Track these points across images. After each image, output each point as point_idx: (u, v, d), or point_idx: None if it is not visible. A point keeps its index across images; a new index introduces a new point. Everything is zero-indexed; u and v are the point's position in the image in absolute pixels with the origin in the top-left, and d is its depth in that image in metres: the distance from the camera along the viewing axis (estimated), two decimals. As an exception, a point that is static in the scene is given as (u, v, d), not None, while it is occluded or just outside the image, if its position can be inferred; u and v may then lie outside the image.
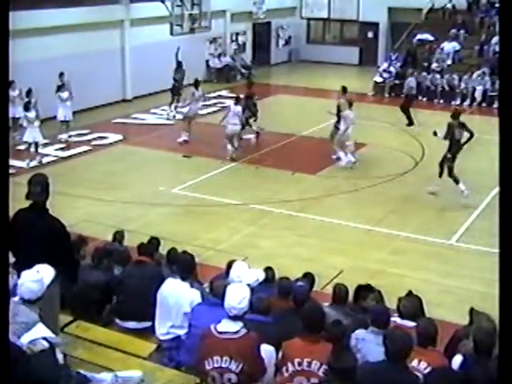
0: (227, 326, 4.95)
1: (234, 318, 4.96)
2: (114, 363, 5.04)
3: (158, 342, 6.14)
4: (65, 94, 17.45)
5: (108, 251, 7.61)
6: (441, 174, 13.66)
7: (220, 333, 4.94)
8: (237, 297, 4.98)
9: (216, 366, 4.94)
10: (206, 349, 5.02)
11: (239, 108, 16.31)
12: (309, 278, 7.28)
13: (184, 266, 6.50)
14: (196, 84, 18.16)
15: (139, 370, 5.17)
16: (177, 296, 6.15)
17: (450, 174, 13.50)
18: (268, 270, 7.21)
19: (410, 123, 18.95)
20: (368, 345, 5.33)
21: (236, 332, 4.93)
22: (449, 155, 13.43)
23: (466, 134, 13.52)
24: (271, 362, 5.22)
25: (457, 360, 5.04)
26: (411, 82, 19.68)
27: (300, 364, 4.86)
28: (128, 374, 4.63)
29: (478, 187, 13.94)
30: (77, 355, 5.19)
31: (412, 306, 5.96)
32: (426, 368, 4.87)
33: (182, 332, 6.06)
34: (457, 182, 13.49)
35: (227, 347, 4.89)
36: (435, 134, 13.93)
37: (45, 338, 4.34)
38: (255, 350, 4.99)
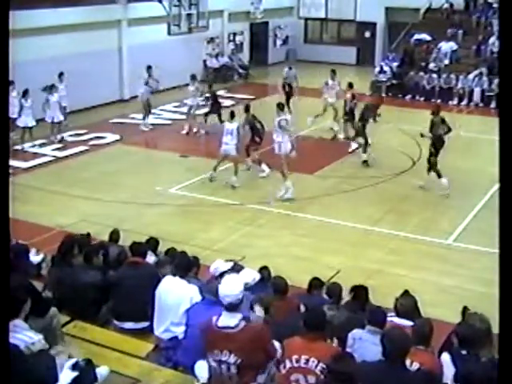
0: (226, 321, 4.89)
1: (230, 309, 4.87)
2: (111, 363, 5.02)
3: (156, 342, 6.13)
4: (54, 97, 17.15)
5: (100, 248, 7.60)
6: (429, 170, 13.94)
7: (219, 327, 4.90)
8: (228, 285, 4.93)
9: (216, 359, 4.91)
10: (206, 342, 4.98)
11: (235, 125, 14.23)
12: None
13: (181, 264, 6.50)
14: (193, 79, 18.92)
15: (137, 369, 5.17)
16: (176, 293, 6.13)
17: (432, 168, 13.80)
18: (263, 269, 7.21)
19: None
20: (365, 344, 5.34)
21: (235, 326, 4.88)
22: (432, 150, 13.68)
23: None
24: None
25: (444, 358, 5.04)
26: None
27: (298, 361, 4.85)
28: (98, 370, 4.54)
29: (476, 187, 13.99)
30: (74, 355, 5.18)
31: (409, 304, 5.98)
32: (418, 369, 4.86)
33: (179, 329, 6.05)
34: (439, 176, 13.71)
35: (227, 342, 4.84)
36: (422, 135, 14.01)
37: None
38: (257, 342, 4.88)
